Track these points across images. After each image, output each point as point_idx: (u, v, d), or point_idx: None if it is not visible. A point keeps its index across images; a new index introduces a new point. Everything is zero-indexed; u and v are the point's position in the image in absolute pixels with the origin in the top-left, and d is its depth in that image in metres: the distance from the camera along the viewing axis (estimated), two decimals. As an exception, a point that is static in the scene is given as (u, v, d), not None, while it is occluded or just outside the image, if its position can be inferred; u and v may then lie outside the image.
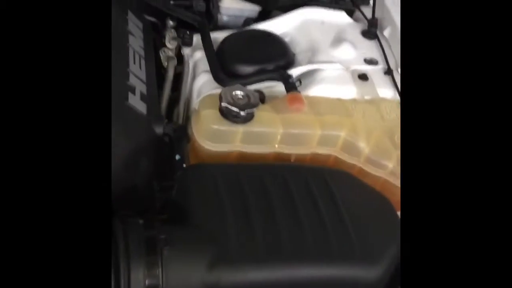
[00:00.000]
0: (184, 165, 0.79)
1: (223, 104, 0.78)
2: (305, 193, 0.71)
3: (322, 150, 0.86)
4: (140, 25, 1.01)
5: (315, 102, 0.88)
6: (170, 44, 1.06)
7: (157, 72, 0.99)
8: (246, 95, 0.80)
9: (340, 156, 0.86)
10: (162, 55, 1.05)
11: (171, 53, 1.06)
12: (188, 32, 1.03)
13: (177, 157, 0.80)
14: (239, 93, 0.80)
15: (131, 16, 0.98)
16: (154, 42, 1.07)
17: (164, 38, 1.07)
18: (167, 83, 1.01)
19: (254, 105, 0.79)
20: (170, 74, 1.03)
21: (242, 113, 0.78)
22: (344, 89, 0.93)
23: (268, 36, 1.01)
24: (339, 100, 0.91)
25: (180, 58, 1.07)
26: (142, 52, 0.94)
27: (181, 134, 0.84)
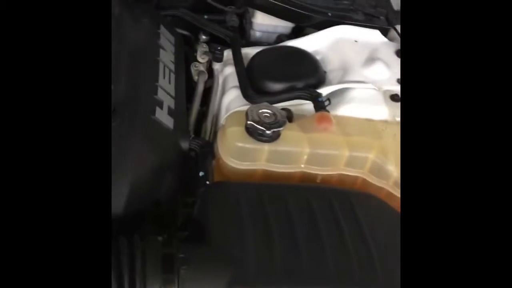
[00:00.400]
0: (208, 182, 0.78)
1: (249, 122, 0.77)
2: (329, 216, 0.70)
3: (350, 172, 0.84)
4: (172, 39, 1.01)
5: (344, 122, 0.86)
6: (201, 59, 1.07)
7: (187, 86, 1.00)
8: (273, 114, 0.79)
9: (368, 179, 0.84)
10: (193, 69, 1.06)
11: (202, 68, 1.06)
12: (219, 48, 1.03)
13: (201, 173, 0.79)
14: (266, 111, 0.79)
15: (163, 30, 0.99)
16: (186, 55, 1.08)
17: (196, 52, 1.08)
18: (197, 98, 1.01)
19: (281, 125, 0.78)
20: (200, 88, 1.03)
21: (267, 132, 0.77)
22: (375, 110, 0.90)
23: (299, 54, 1.00)
24: (369, 120, 0.89)
25: (211, 73, 1.07)
26: (172, 67, 0.95)
27: (206, 150, 0.84)
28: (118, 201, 0.72)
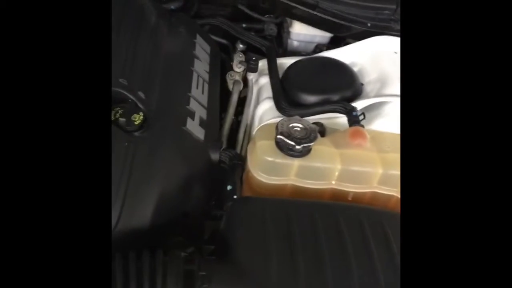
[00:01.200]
0: (235, 196, 0.77)
1: (279, 136, 0.76)
2: (359, 239, 0.67)
3: (383, 190, 0.81)
4: (208, 48, 1.01)
5: (379, 138, 0.83)
6: (237, 68, 1.06)
7: (223, 95, 1.00)
8: (304, 128, 0.77)
9: (402, 198, 0.81)
10: (228, 79, 1.05)
11: (237, 77, 1.05)
12: (253, 58, 1.02)
13: (229, 187, 0.78)
14: (296, 125, 0.77)
15: (199, 40, 0.99)
16: (223, 64, 1.08)
17: (233, 61, 1.08)
18: (231, 108, 1.00)
19: (311, 140, 0.76)
20: (235, 98, 1.02)
21: (297, 147, 0.75)
22: (413, 125, 0.87)
23: (336, 65, 0.98)
24: (405, 137, 0.85)
25: (247, 82, 1.06)
26: (206, 76, 0.95)
27: (236, 163, 0.83)
28: (147, 211, 0.72)
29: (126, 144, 0.72)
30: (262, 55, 1.07)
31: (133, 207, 0.70)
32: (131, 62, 0.79)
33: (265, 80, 0.99)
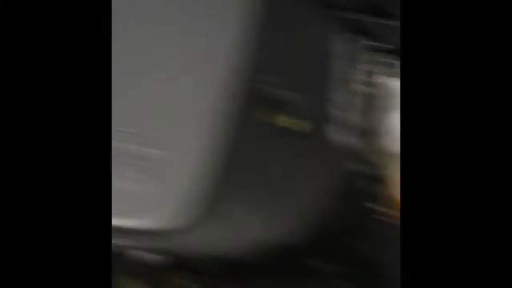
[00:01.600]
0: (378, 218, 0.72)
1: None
2: None
3: None
4: (343, 45, 0.94)
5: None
6: (365, 68, 0.99)
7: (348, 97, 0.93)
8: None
9: None
10: (354, 79, 0.98)
11: (365, 78, 0.98)
12: (388, 61, 0.95)
13: (368, 204, 0.73)
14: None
15: (334, 34, 0.92)
16: (351, 62, 1.01)
17: (359, 59, 1.00)
18: (357, 112, 0.94)
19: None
20: (361, 101, 0.96)
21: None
22: None
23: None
24: None
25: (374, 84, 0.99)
26: (343, 76, 0.88)
27: (375, 177, 0.77)
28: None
29: None
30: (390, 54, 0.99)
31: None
32: (283, 56, 0.73)
33: (397, 85, 0.92)
